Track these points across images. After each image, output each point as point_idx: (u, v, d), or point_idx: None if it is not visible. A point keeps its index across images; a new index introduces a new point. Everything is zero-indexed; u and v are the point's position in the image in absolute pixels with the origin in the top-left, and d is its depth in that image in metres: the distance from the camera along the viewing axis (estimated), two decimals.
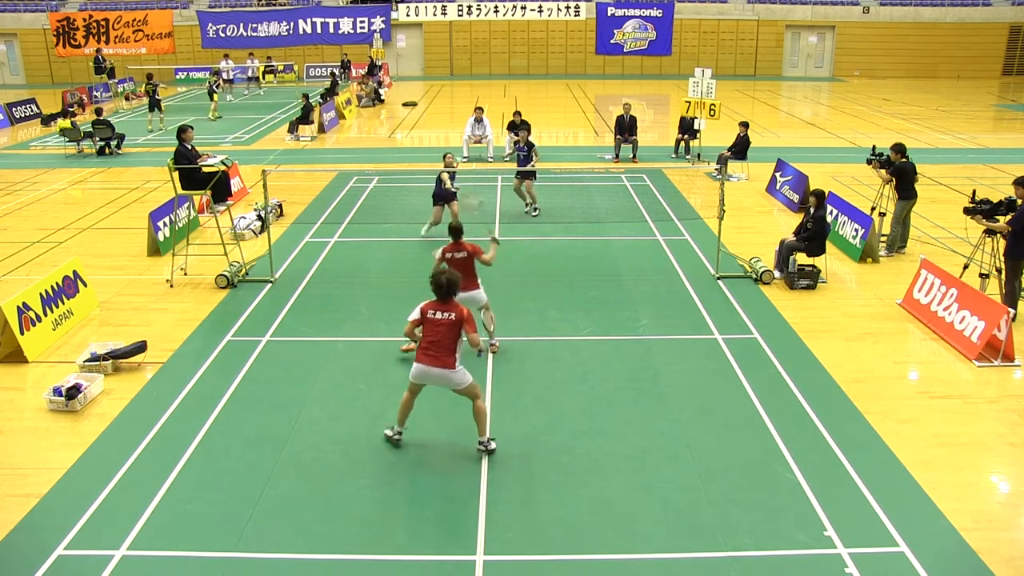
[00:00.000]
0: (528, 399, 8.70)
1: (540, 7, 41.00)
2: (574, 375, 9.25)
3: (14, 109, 28.98)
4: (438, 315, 7.38)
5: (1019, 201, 10.47)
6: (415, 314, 7.49)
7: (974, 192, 10.98)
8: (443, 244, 9.50)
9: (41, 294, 10.21)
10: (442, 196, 14.22)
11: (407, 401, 7.73)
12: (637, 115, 21.06)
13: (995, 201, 10.65)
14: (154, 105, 26.48)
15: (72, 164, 21.35)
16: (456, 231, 9.36)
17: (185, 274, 12.52)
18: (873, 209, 14.08)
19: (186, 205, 13.59)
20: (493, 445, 7.70)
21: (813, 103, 34.09)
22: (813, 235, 12.01)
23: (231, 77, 34.67)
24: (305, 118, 24.87)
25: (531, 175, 15.62)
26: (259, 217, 14.86)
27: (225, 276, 12.02)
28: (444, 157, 14.22)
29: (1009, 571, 6.13)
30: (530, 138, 20.66)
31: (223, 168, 12.37)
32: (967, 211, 10.77)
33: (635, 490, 7.15)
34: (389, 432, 7.86)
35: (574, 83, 39.69)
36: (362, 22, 38.62)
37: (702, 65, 23.82)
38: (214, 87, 29.18)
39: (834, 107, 32.27)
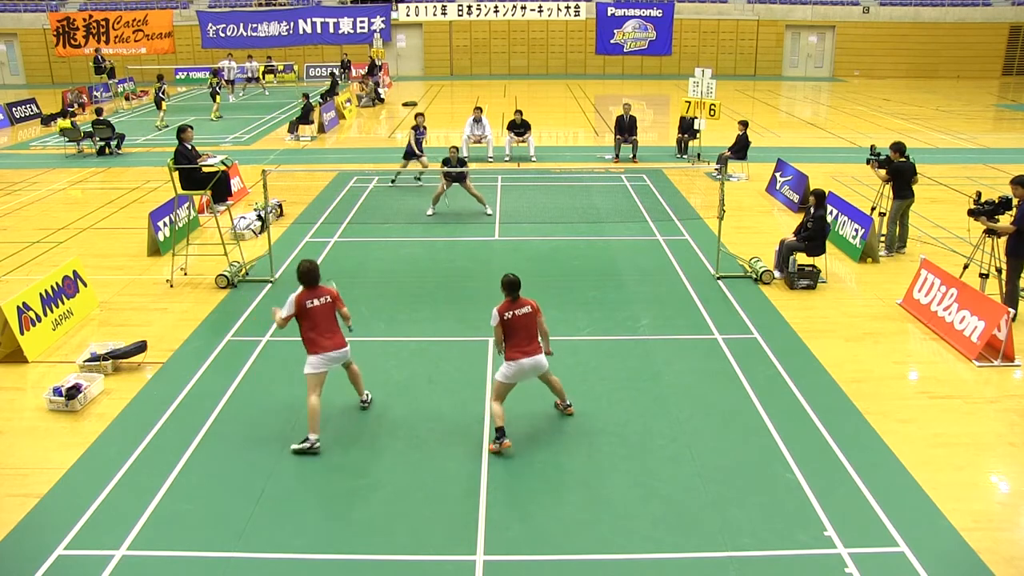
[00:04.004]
0: (528, 399, 8.68)
1: (540, 7, 41.00)
2: (574, 375, 9.24)
3: (14, 109, 28.99)
4: (316, 302, 7.73)
5: (1015, 200, 10.46)
6: (289, 309, 7.68)
7: (979, 194, 10.95)
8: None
9: (41, 294, 10.21)
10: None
11: (317, 403, 7.73)
12: (637, 115, 21.06)
13: (995, 202, 10.65)
14: (158, 103, 27.17)
15: (72, 164, 21.35)
16: (512, 285, 7.74)
17: (185, 274, 12.52)
18: (873, 209, 14.09)
19: (186, 205, 13.59)
20: (369, 397, 8.56)
21: (813, 103, 34.09)
22: (813, 235, 12.01)
23: (232, 77, 34.68)
24: (305, 118, 24.88)
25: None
26: (259, 217, 14.86)
27: (225, 276, 12.03)
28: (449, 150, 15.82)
29: (1009, 571, 6.13)
30: (529, 137, 20.81)
31: (223, 168, 12.37)
32: (971, 213, 10.76)
33: (635, 490, 7.15)
34: (305, 446, 7.67)
35: (574, 83, 39.69)
36: (362, 22, 38.62)
37: (702, 65, 23.83)
38: (216, 88, 29.23)
39: (834, 107, 32.27)
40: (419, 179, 18.29)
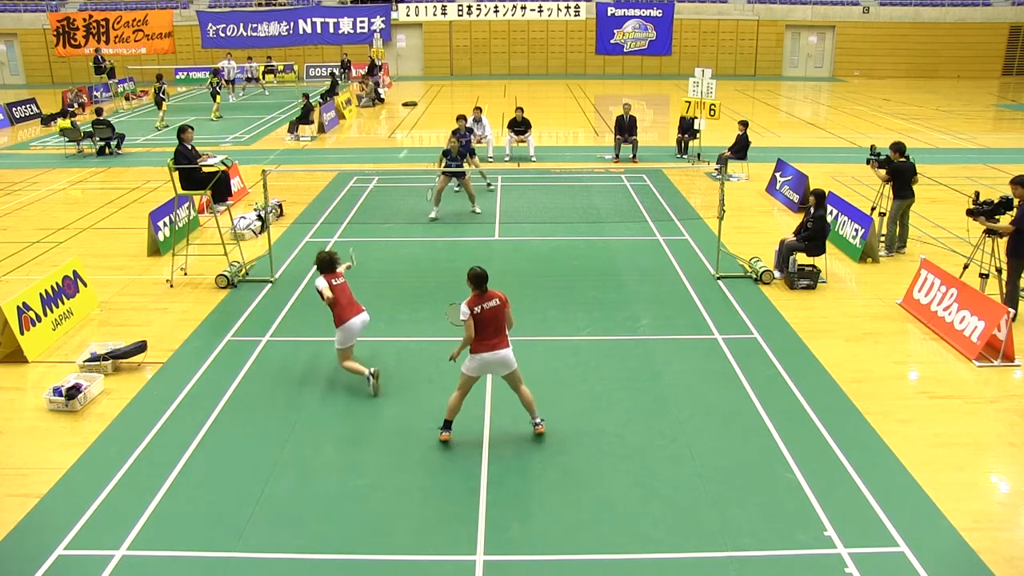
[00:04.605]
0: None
1: (540, 7, 41.00)
2: (574, 375, 9.25)
3: (14, 109, 28.99)
4: (336, 282, 8.91)
5: (1016, 200, 10.47)
6: (327, 287, 8.78)
7: (977, 194, 10.97)
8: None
9: (41, 294, 10.21)
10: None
11: (354, 364, 8.97)
12: (637, 115, 21.06)
13: (995, 202, 10.66)
14: (159, 103, 27.20)
15: (72, 164, 21.35)
16: (480, 278, 7.74)
17: (185, 274, 12.52)
18: (873, 209, 14.08)
19: (186, 205, 13.59)
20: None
21: (813, 103, 34.09)
22: (813, 235, 12.01)
23: (232, 77, 34.69)
24: (305, 118, 24.88)
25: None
26: (259, 217, 14.86)
27: (225, 276, 12.03)
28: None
29: (1009, 571, 6.13)
30: (529, 137, 20.80)
31: (223, 168, 12.37)
32: (970, 212, 10.77)
33: (635, 490, 7.15)
34: (372, 381, 8.87)
35: (574, 83, 39.70)
36: (362, 22, 38.62)
37: (702, 65, 23.83)
38: (217, 88, 29.24)
39: (834, 107, 32.27)
40: (458, 187, 17.46)
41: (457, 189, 16.86)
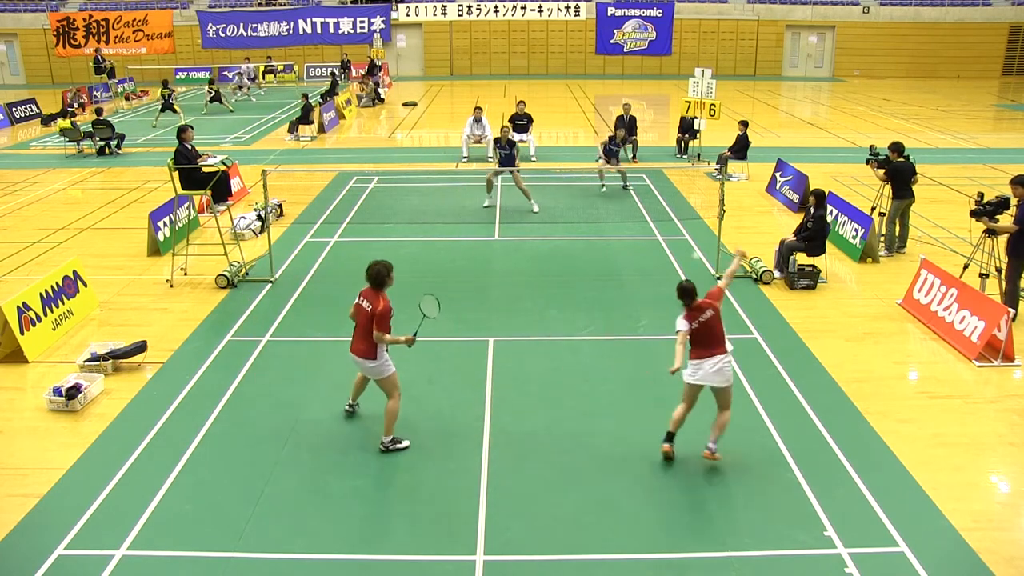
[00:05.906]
0: (528, 399, 8.70)
1: (540, 7, 41.00)
2: (574, 375, 9.24)
3: (14, 109, 28.98)
4: (362, 303, 7.63)
5: (1014, 200, 10.46)
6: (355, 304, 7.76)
7: (981, 195, 10.95)
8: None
9: (41, 294, 10.21)
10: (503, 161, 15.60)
11: (358, 381, 8.29)
12: (637, 115, 21.04)
13: (995, 201, 10.65)
14: (167, 108, 27.04)
15: (72, 164, 21.35)
16: (686, 292, 7.40)
17: (185, 274, 12.52)
18: (873, 209, 14.08)
19: (186, 205, 13.59)
20: (404, 444, 7.77)
21: (813, 103, 34.09)
22: (813, 235, 12.01)
23: (243, 83, 34.73)
24: (305, 118, 24.87)
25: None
26: (259, 217, 14.85)
27: (225, 276, 12.03)
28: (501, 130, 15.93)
29: (1009, 571, 6.13)
30: (530, 136, 20.74)
31: (223, 168, 12.37)
32: (973, 213, 10.75)
33: (635, 490, 7.15)
34: (347, 407, 8.44)
35: (574, 83, 39.69)
36: (362, 22, 38.62)
37: (702, 65, 23.82)
38: (216, 94, 29.29)
39: (834, 107, 32.27)
40: (626, 187, 17.84)
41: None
